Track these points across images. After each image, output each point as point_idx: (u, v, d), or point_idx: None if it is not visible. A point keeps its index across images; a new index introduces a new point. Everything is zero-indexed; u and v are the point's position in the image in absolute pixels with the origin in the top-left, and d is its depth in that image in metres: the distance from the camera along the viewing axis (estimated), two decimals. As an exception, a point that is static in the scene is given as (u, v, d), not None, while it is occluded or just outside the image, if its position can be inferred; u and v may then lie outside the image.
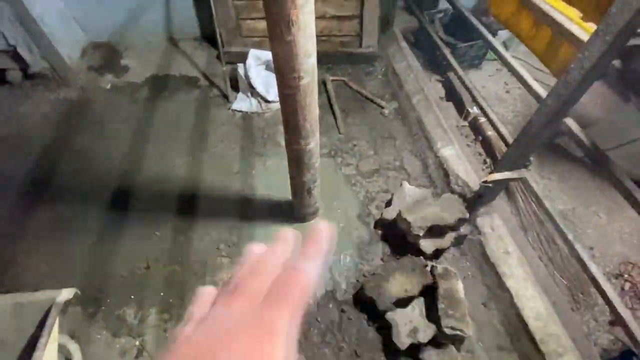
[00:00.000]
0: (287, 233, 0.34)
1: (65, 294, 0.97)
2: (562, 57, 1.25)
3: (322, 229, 0.33)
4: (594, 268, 1.21)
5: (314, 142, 1.35)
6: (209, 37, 3.04)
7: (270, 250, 0.33)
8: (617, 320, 1.19)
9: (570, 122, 1.17)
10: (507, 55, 1.51)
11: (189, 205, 1.99)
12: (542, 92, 1.26)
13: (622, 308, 1.15)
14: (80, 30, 2.88)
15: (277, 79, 1.08)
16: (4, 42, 2.42)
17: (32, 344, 0.87)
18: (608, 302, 1.17)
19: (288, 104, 1.14)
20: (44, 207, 1.97)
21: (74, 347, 1.23)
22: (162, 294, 1.66)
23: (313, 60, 1.05)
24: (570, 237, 1.24)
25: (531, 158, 1.42)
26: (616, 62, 1.76)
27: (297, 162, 1.42)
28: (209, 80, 2.72)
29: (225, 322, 0.27)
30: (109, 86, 2.68)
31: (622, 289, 1.66)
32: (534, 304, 1.40)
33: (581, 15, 1.23)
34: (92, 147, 2.28)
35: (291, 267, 0.30)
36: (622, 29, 0.91)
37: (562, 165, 2.15)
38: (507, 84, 2.72)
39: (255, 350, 0.24)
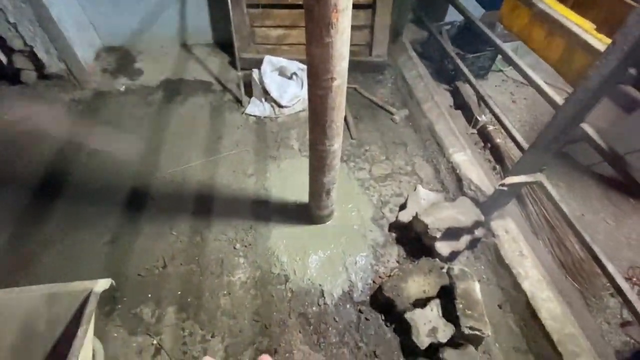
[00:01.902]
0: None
1: (102, 284, 0.98)
2: (576, 65, 1.32)
3: None
4: (611, 267, 1.24)
5: (337, 144, 1.39)
6: (221, 44, 3.11)
7: None
8: (634, 314, 1.21)
9: (587, 127, 1.23)
10: (522, 63, 1.57)
11: (205, 205, 2.00)
12: (558, 99, 1.32)
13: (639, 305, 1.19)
14: (96, 34, 2.94)
15: (310, 80, 1.13)
16: (21, 42, 2.45)
17: (66, 335, 0.87)
18: (625, 299, 1.20)
19: (319, 105, 1.18)
20: (59, 205, 1.97)
21: (97, 344, 1.22)
22: (179, 292, 1.66)
23: (346, 63, 1.10)
24: (587, 238, 1.28)
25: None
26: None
27: (319, 163, 1.45)
28: (223, 85, 2.77)
29: None
30: (123, 88, 2.72)
31: (632, 293, 1.69)
32: (550, 305, 1.43)
33: (595, 27, 1.30)
34: (106, 147, 2.29)
35: None
36: (638, 39, 0.97)
37: (570, 173, 2.21)
38: (513, 94, 2.80)
39: None
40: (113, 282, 1.04)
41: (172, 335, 1.54)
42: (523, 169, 1.46)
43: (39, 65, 2.58)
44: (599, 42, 1.20)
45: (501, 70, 3.02)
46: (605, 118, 2.46)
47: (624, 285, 1.26)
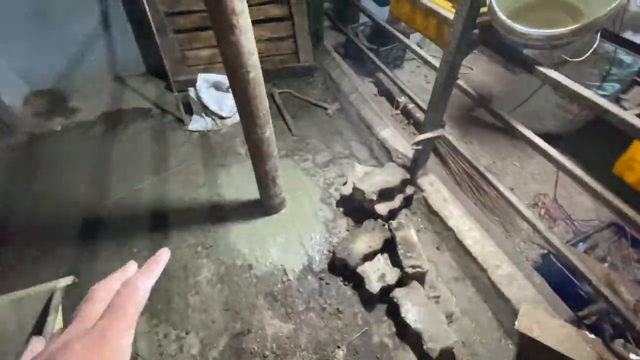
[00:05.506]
0: (129, 263, 0.38)
1: (65, 280, 1.05)
2: (446, 36, 1.64)
3: (160, 252, 0.39)
4: (514, 198, 1.52)
5: (269, 131, 1.58)
6: (154, 71, 3.21)
7: (106, 280, 0.35)
8: (534, 230, 1.49)
9: (461, 82, 1.54)
10: (414, 45, 1.89)
11: (162, 220, 2.07)
12: (437, 63, 1.63)
13: (536, 220, 1.47)
14: (21, 80, 2.90)
15: (230, 76, 1.31)
16: (-61, 98, 2.39)
17: (36, 333, 0.93)
18: (526, 219, 1.48)
19: (242, 96, 1.37)
20: (6, 252, 1.94)
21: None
22: (147, 302, 1.71)
23: (255, 58, 1.30)
24: (480, 167, 1.57)
25: (444, 120, 1.77)
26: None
27: (258, 151, 1.63)
28: (162, 108, 2.87)
29: (57, 345, 0.28)
30: (59, 128, 2.71)
31: (540, 215, 2.04)
32: (472, 234, 1.70)
33: (452, 4, 1.64)
34: (51, 186, 2.28)
35: (123, 284, 0.34)
36: (469, 7, 1.28)
37: (480, 131, 2.60)
38: (427, 76, 3.20)
39: (88, 355, 0.27)
40: (75, 278, 1.11)
41: (147, 341, 1.58)
42: (428, 127, 1.75)
43: (-38, 118, 2.51)
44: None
45: (414, 59, 3.44)
46: (501, 82, 2.92)
47: (523, 208, 1.53)
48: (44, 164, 2.43)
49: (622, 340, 1.22)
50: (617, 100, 2.18)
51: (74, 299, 1.20)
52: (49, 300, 1.01)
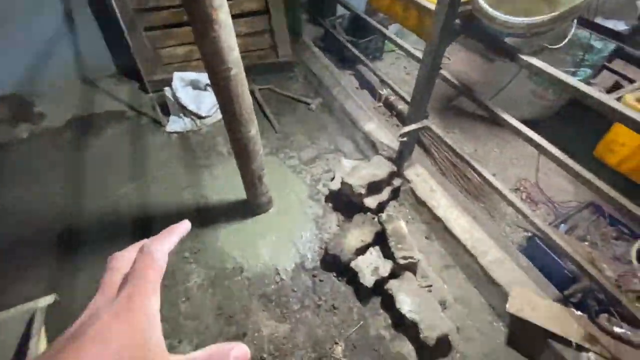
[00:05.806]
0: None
1: (46, 299, 0.98)
2: (427, 27, 1.64)
3: (181, 222, 0.38)
4: (499, 184, 1.56)
5: (254, 130, 1.54)
6: (127, 71, 3.06)
7: (123, 250, 0.34)
8: (520, 214, 1.53)
9: (444, 72, 1.55)
10: (393, 35, 1.88)
11: (145, 227, 1.99)
12: (420, 55, 1.63)
13: (521, 204, 1.51)
14: (-22, 86, 2.70)
15: (210, 74, 1.26)
16: None
17: (18, 358, 0.86)
18: (511, 204, 1.52)
19: (224, 95, 1.32)
20: (-24, 269, 1.81)
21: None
22: (136, 313, 1.64)
23: (237, 54, 1.25)
24: (465, 156, 1.59)
25: (428, 111, 1.78)
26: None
27: (243, 151, 1.58)
28: (137, 110, 2.75)
29: (83, 318, 0.28)
30: (26, 135, 2.54)
31: (522, 199, 2.11)
32: (460, 222, 1.74)
33: (432, -5, 1.64)
34: (21, 198, 2.14)
35: (139, 252, 0.32)
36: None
37: (461, 120, 2.64)
38: (406, 68, 3.22)
39: (118, 322, 0.26)
40: (57, 296, 1.05)
41: (138, 354, 1.52)
42: (412, 119, 1.76)
43: None
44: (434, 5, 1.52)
45: (393, 50, 3.45)
46: (478, 71, 2.98)
47: (508, 193, 1.57)
48: (11, 174, 2.28)
49: (606, 315, 1.28)
50: (588, 85, 2.27)
51: (58, 318, 1.14)
52: (30, 321, 0.94)
